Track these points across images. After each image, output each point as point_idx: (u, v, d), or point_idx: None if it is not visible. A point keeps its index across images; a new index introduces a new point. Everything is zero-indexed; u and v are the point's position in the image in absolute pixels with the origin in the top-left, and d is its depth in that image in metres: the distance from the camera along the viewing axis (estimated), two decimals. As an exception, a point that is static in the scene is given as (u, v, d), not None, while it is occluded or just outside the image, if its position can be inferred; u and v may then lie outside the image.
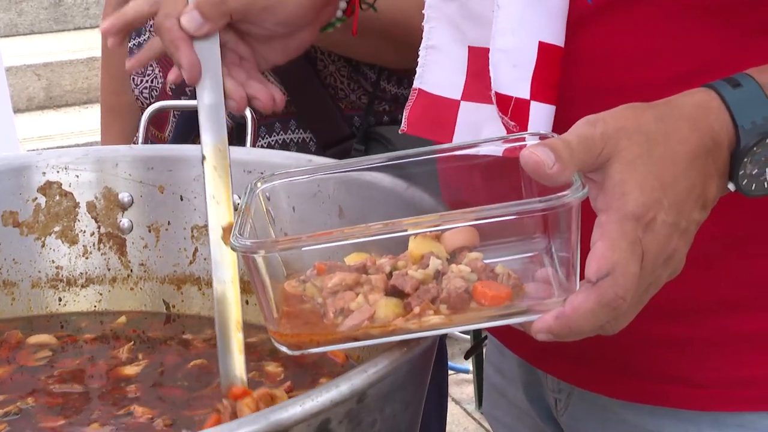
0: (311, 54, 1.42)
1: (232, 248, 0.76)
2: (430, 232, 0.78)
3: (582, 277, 0.73)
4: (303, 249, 0.77)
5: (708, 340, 0.90)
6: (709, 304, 0.89)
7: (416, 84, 0.94)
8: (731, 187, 0.79)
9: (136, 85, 1.53)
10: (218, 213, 0.93)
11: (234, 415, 0.87)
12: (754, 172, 0.78)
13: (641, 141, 0.74)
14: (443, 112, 0.92)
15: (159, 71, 1.50)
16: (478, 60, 0.89)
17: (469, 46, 0.91)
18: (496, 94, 0.86)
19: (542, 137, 0.81)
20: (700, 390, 0.91)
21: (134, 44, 1.56)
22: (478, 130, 0.91)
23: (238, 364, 0.91)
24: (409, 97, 0.95)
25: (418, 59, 0.94)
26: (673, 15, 0.83)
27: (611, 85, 0.86)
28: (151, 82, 1.51)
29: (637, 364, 0.92)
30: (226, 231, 0.92)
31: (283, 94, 0.99)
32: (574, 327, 0.72)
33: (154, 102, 1.51)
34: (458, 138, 0.92)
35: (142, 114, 1.53)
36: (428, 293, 0.75)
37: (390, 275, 0.77)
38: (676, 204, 0.74)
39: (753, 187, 0.78)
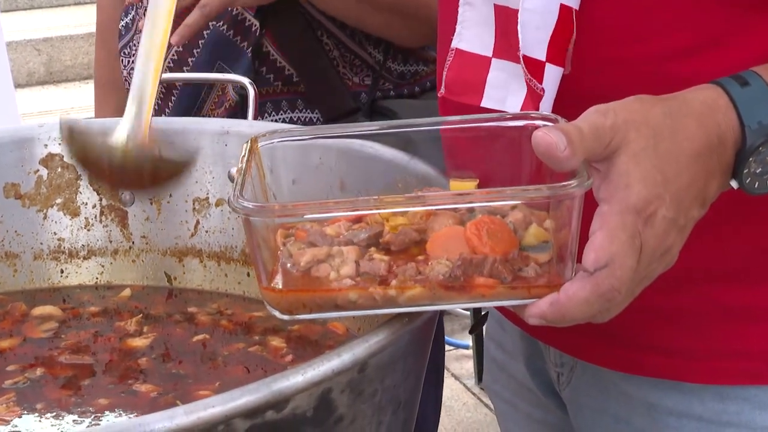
0: (319, 37, 1.42)
1: (233, 209, 0.76)
2: (437, 210, 0.78)
3: (578, 262, 0.74)
4: (304, 217, 0.78)
5: (700, 312, 0.90)
6: (700, 275, 0.89)
7: (454, 43, 0.93)
8: (734, 184, 0.79)
9: (125, 66, 1.54)
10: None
11: None
12: (758, 171, 0.78)
13: (648, 135, 0.74)
14: (475, 71, 0.92)
15: None
16: (503, 18, 0.89)
17: (494, 4, 0.90)
18: (524, 56, 0.86)
19: (549, 119, 0.82)
20: (699, 363, 0.92)
21: (122, 25, 1.56)
22: (506, 88, 0.91)
23: None
24: (446, 60, 0.94)
25: (457, 16, 0.93)
26: None
27: (618, 56, 0.86)
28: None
29: (636, 337, 0.93)
30: None
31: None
32: (567, 315, 0.73)
33: None
34: (487, 99, 0.92)
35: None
36: (407, 272, 0.75)
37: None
38: (677, 200, 0.74)
39: (756, 186, 0.79)
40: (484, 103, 0.91)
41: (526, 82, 0.87)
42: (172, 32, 1.31)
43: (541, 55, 0.86)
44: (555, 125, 0.73)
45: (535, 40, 0.86)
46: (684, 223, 0.75)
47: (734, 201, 0.85)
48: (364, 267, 0.76)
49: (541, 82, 0.86)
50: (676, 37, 0.84)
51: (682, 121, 0.75)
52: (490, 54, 0.91)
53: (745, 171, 0.78)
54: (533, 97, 0.87)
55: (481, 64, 0.92)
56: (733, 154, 0.78)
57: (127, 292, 1.14)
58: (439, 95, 0.96)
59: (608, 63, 0.86)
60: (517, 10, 0.86)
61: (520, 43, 0.86)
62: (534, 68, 0.86)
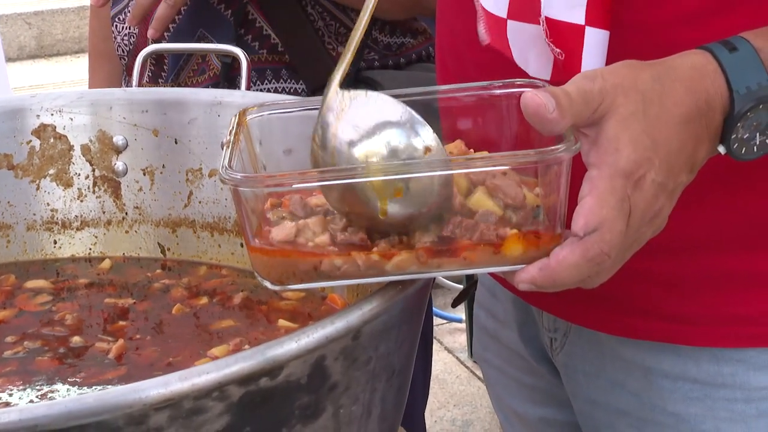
0: (303, 6, 1.42)
1: (222, 180, 0.77)
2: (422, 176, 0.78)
3: (567, 228, 0.74)
4: (292, 186, 0.78)
5: (700, 278, 0.91)
6: (698, 242, 0.90)
7: None
8: (721, 149, 0.79)
9: (119, 32, 1.53)
10: None
11: None
12: (745, 137, 0.79)
13: (637, 99, 0.74)
14: (498, 28, 0.91)
15: None
16: None
17: None
18: (546, 18, 0.85)
19: (536, 86, 0.81)
20: (696, 327, 0.92)
21: None
22: (527, 50, 0.89)
23: None
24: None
25: None
26: None
27: (636, 19, 0.85)
28: (129, 29, 1.51)
29: (632, 302, 0.93)
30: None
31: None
32: (557, 279, 0.73)
33: (132, 48, 1.51)
34: (516, 54, 0.90)
35: (123, 60, 1.54)
36: (391, 242, 0.75)
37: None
38: (667, 164, 0.75)
39: (743, 151, 0.79)
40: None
41: (548, 46, 0.86)
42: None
43: (578, 18, 0.84)
44: (543, 88, 0.73)
45: (565, 4, 0.84)
46: (673, 187, 0.76)
47: (733, 169, 0.86)
48: (340, 237, 0.76)
49: (571, 47, 0.84)
50: (686, 2, 0.84)
51: (670, 86, 0.76)
52: (504, 15, 0.89)
53: (732, 136, 0.78)
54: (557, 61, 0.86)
55: (499, 22, 0.90)
56: (721, 119, 0.78)
57: (107, 263, 1.14)
58: (483, 44, 0.93)
59: (626, 26, 0.85)
60: None
61: (542, 6, 0.85)
62: (556, 30, 0.85)
